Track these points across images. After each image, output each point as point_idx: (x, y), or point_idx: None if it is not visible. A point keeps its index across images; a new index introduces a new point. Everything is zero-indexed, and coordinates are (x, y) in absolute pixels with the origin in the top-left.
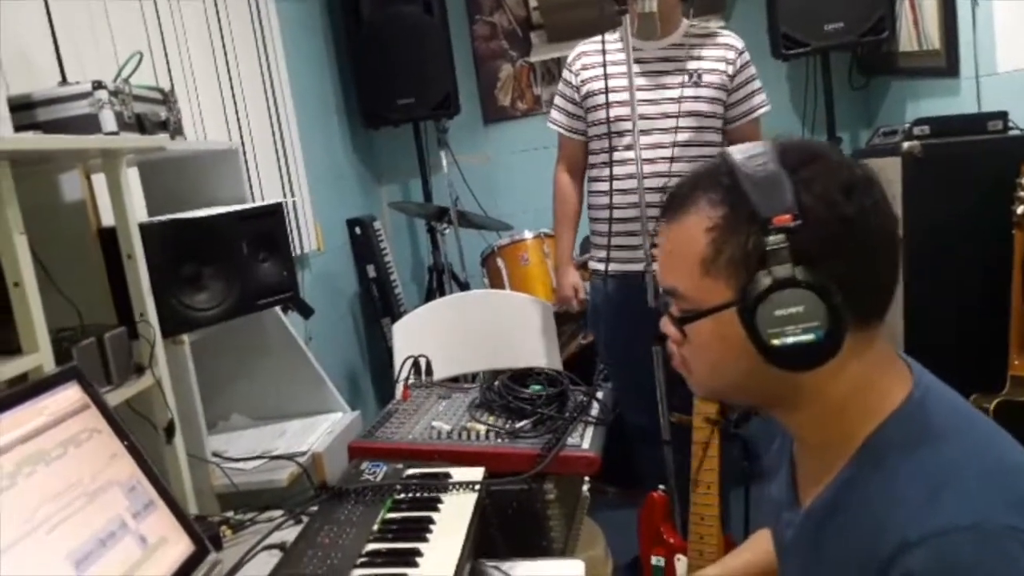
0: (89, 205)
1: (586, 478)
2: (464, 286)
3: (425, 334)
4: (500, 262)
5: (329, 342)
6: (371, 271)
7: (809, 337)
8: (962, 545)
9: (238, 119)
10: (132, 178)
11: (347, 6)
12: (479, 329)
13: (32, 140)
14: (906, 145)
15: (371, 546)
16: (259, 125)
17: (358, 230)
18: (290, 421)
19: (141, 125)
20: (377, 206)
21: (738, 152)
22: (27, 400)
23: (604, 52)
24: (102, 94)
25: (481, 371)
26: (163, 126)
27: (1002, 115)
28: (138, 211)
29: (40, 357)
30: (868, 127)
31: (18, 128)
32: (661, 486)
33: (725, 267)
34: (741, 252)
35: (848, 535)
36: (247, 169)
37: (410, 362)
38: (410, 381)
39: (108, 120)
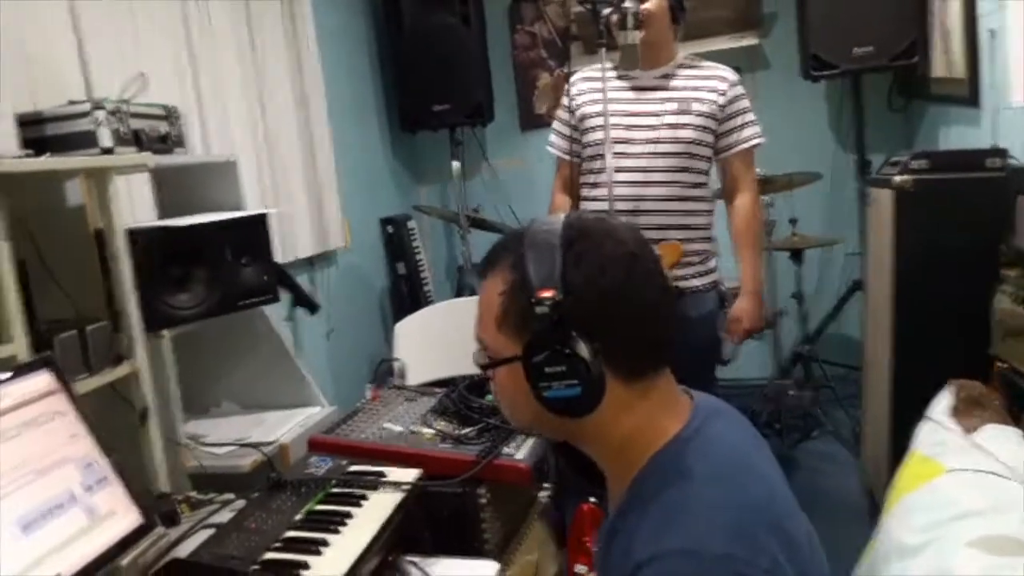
0: (88, 209)
1: (544, 484)
2: None
3: (421, 336)
4: None
5: (351, 335)
6: (401, 268)
7: (571, 392)
8: (679, 567)
9: (265, 125)
10: (142, 183)
11: (389, 16)
12: (469, 335)
13: (10, 164)
14: (897, 179)
15: (289, 533)
16: (287, 129)
17: (390, 228)
18: (272, 412)
19: (138, 140)
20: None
21: (536, 224)
22: None
23: (568, 79)
24: (100, 114)
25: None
26: (163, 140)
27: (1001, 152)
28: (145, 213)
29: (15, 348)
30: (908, 149)
31: (27, 141)
32: (592, 498)
33: (512, 326)
34: (520, 316)
35: (616, 557)
36: (271, 170)
37: (386, 365)
38: (396, 383)
39: (104, 136)
